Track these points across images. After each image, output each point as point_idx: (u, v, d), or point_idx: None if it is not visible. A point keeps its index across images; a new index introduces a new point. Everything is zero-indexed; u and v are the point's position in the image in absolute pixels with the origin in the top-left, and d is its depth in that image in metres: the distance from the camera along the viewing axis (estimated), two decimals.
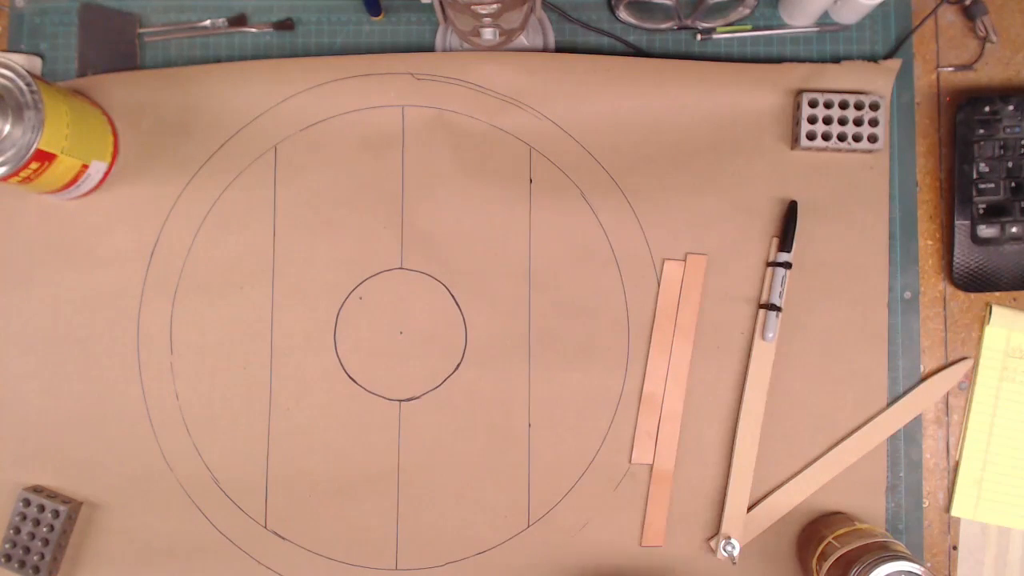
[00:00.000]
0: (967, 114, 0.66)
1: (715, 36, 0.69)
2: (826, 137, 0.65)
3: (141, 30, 0.69)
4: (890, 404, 0.66)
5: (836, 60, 0.67)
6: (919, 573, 0.54)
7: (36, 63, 0.69)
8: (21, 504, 0.64)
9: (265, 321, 0.67)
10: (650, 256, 0.67)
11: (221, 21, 0.69)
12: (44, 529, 0.63)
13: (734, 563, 0.64)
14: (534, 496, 0.66)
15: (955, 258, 0.66)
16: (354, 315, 0.67)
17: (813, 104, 0.65)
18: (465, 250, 0.67)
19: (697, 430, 0.66)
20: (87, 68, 0.69)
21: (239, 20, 0.70)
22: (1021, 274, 0.66)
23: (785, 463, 0.66)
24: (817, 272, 0.66)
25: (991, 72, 0.69)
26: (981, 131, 0.66)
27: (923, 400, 0.66)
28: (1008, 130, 0.65)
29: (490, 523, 0.66)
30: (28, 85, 0.56)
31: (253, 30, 0.70)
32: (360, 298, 0.67)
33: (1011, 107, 0.65)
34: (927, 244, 0.68)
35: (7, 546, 0.63)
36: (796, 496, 0.65)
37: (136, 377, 0.66)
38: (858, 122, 0.65)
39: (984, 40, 0.68)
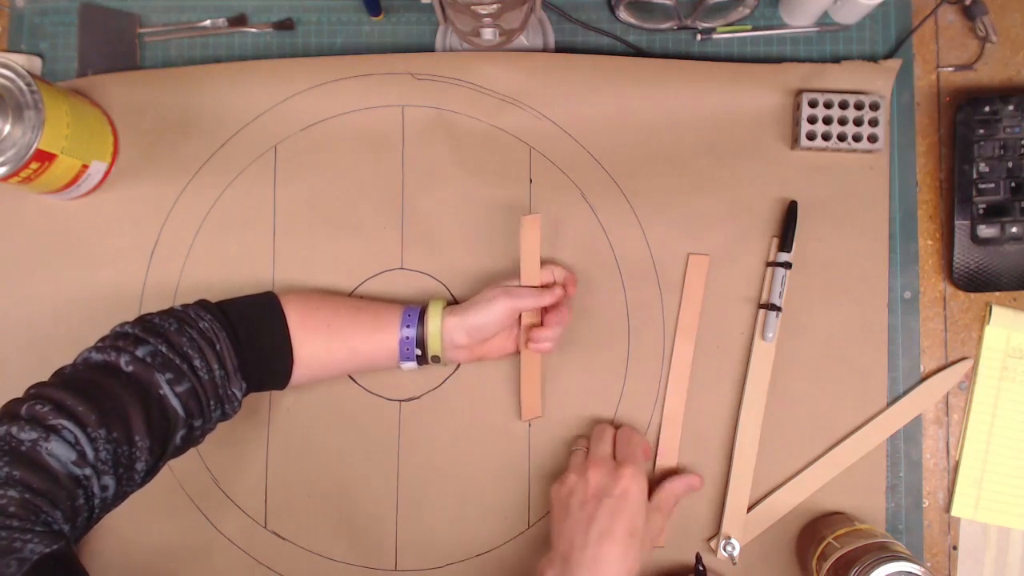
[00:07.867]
0: (967, 114, 0.66)
1: (715, 36, 0.69)
2: (826, 137, 0.65)
3: (141, 30, 0.69)
4: (890, 404, 0.66)
5: (836, 60, 0.67)
6: (919, 573, 0.54)
7: (36, 63, 0.69)
8: None
9: None
10: (650, 256, 0.67)
11: (221, 21, 0.69)
12: None
13: (734, 563, 0.64)
14: (534, 496, 0.66)
15: (955, 258, 0.66)
16: None
17: (813, 104, 0.65)
18: (465, 250, 0.67)
19: (698, 430, 0.66)
20: (87, 68, 0.69)
21: (239, 20, 0.70)
22: (1021, 274, 0.66)
23: (785, 463, 0.66)
24: (817, 272, 0.66)
25: (991, 72, 0.69)
26: (981, 131, 0.66)
27: (923, 400, 0.66)
28: (1008, 130, 0.65)
29: (490, 524, 0.65)
30: (28, 85, 0.56)
31: (253, 30, 0.70)
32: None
33: (1011, 107, 0.65)
34: (927, 244, 0.68)
35: None
36: (796, 496, 0.65)
37: None
38: (858, 122, 0.65)
39: (984, 40, 0.68)
